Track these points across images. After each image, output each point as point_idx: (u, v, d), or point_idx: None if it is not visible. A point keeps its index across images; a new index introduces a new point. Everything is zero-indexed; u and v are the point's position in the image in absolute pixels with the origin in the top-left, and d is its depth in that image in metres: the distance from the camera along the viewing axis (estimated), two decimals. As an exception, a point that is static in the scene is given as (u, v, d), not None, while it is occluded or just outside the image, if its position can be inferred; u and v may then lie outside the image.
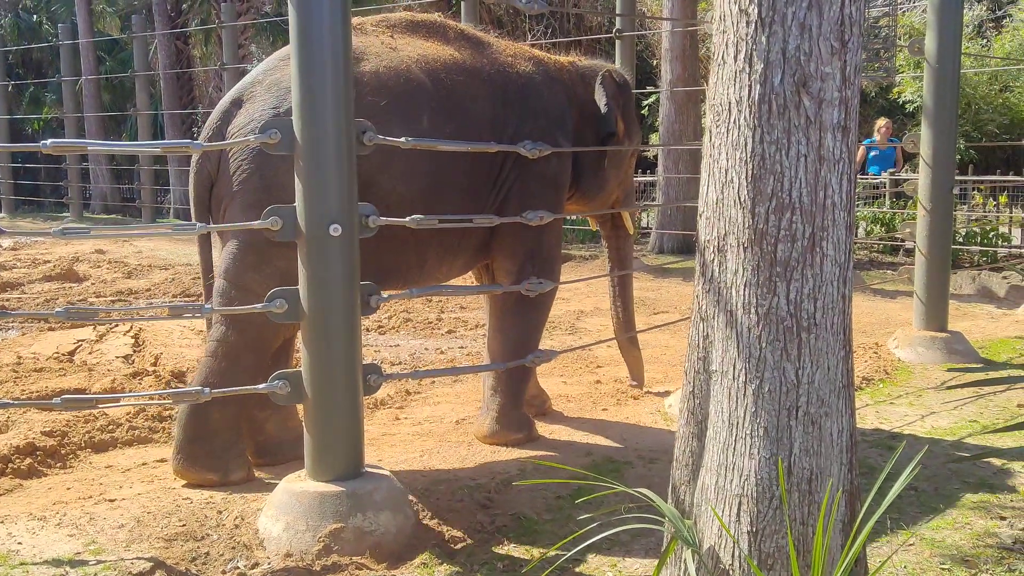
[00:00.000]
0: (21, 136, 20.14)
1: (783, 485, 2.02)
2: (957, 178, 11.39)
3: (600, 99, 4.15)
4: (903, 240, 9.26)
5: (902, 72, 13.40)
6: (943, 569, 2.74)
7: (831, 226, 2.06)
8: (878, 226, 10.75)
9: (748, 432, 2.08)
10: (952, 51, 5.67)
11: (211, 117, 3.49)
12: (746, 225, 2.07)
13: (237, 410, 3.39)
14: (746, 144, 2.06)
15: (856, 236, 10.85)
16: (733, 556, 2.10)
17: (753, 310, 2.07)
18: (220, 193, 3.38)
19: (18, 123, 20.10)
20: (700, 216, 2.20)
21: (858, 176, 10.97)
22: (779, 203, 2.04)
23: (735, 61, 2.07)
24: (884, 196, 11.26)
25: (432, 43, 3.77)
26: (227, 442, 3.39)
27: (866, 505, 2.13)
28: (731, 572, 2.11)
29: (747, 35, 2.04)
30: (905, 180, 8.20)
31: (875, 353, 5.66)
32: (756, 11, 2.03)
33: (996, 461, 3.70)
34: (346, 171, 2.90)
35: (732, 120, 2.08)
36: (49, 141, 2.77)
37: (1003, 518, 3.13)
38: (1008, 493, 3.38)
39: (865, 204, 11.17)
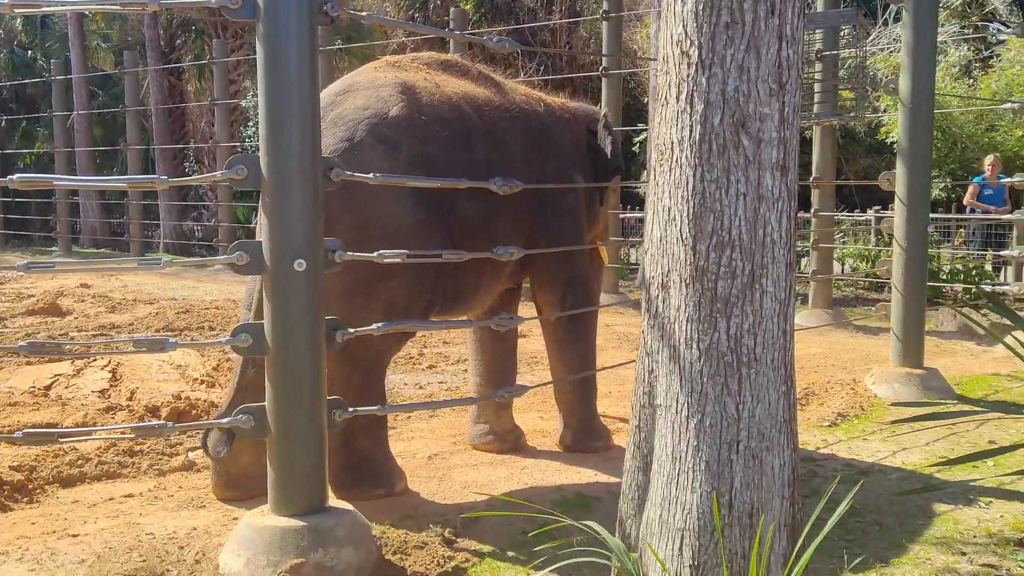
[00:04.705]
0: (13, 171, 20.04)
1: (718, 519, 2.04)
2: (940, 216, 11.52)
3: (605, 139, 4.45)
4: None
5: (887, 112, 13.53)
6: (899, 605, 2.75)
7: (771, 263, 2.09)
8: (863, 263, 10.82)
9: (690, 466, 2.10)
10: (926, 91, 5.77)
11: None
12: (688, 262, 2.11)
13: (382, 431, 3.65)
14: (688, 183, 2.10)
15: (841, 272, 10.93)
16: (678, 590, 2.11)
17: (695, 345, 2.10)
18: None
19: (10, 157, 20.21)
20: (646, 253, 2.23)
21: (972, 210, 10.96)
22: (719, 240, 2.08)
23: (677, 102, 2.12)
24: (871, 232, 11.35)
25: (464, 81, 4.01)
26: (383, 459, 3.64)
27: (804, 536, 2.14)
28: (676, 606, 2.12)
29: (688, 76, 2.09)
30: (883, 218, 8.27)
31: (852, 389, 5.68)
32: (696, 53, 2.08)
33: (963, 494, 3.72)
34: (311, 206, 2.92)
35: (675, 159, 2.13)
36: (16, 176, 2.78)
37: (964, 553, 3.14)
38: (971, 528, 3.39)
39: (852, 240, 11.23)
